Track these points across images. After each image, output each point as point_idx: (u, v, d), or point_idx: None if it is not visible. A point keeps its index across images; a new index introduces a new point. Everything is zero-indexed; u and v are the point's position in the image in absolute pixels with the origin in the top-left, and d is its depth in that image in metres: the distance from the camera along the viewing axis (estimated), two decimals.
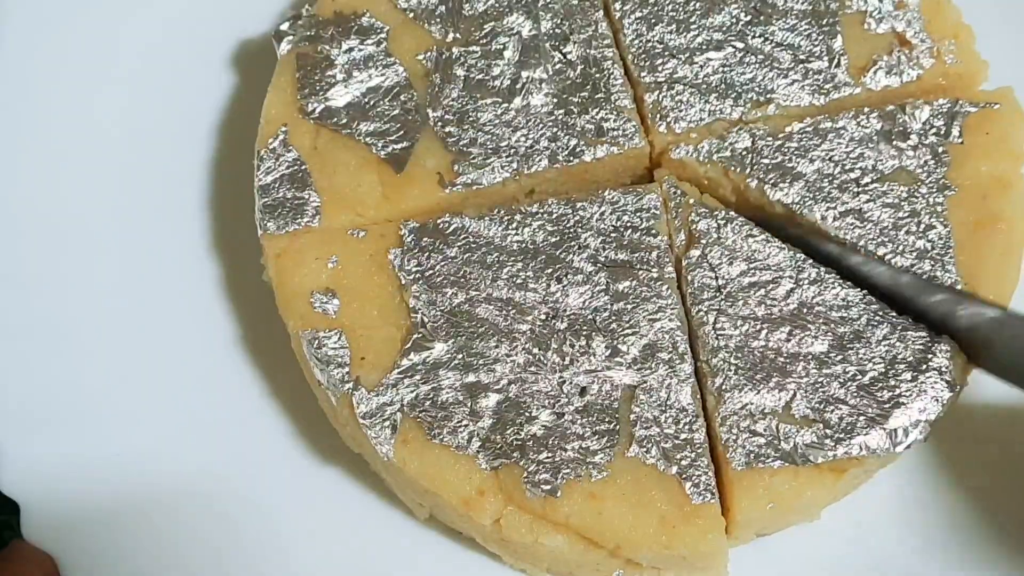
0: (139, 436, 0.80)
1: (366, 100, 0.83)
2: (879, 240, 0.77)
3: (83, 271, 0.84)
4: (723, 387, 0.74)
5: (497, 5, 0.85)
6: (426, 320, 0.76)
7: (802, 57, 0.82)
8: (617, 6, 0.85)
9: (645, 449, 0.73)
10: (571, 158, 0.81)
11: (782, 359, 0.74)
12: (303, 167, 0.81)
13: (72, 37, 0.90)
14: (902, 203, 0.78)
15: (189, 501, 0.78)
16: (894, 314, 0.75)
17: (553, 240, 0.78)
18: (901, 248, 0.76)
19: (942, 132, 0.80)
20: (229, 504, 0.79)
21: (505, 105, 0.82)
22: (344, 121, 0.82)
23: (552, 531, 0.72)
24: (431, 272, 0.78)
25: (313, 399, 0.81)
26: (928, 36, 0.83)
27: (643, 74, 0.82)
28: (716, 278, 0.77)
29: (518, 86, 0.82)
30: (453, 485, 0.73)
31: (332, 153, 0.81)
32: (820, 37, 0.83)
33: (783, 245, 0.78)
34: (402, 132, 0.82)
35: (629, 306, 0.76)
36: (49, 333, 0.82)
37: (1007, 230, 0.77)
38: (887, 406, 0.73)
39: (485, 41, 0.84)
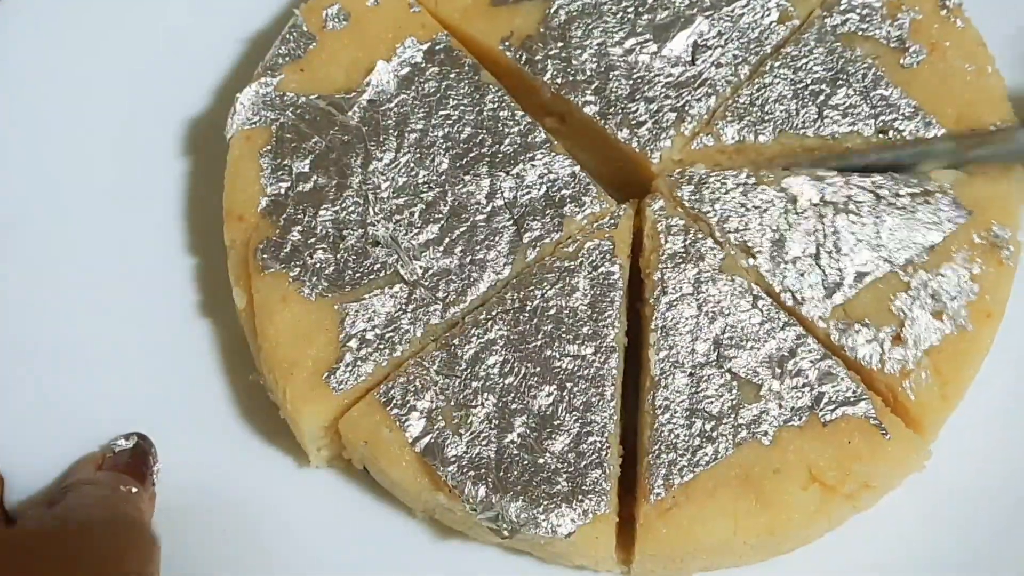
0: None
1: None
2: None
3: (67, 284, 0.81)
4: (438, 351, 0.75)
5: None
6: (366, 91, 0.80)
7: (823, 258, 0.76)
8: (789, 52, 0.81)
9: (350, 321, 0.75)
10: (599, 117, 0.80)
11: (500, 382, 0.73)
12: None
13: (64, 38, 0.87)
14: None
15: (190, 510, 0.75)
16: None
17: (509, 151, 0.79)
18: None
19: (824, 400, 0.72)
20: (234, 512, 0.77)
21: (614, 41, 0.82)
22: None
23: (242, 292, 0.77)
24: (414, 77, 0.81)
25: None
26: (922, 359, 0.73)
27: (726, 123, 0.79)
28: (543, 295, 0.75)
29: (634, 41, 0.81)
30: (240, 198, 0.79)
31: None
32: (858, 264, 0.76)
33: (615, 320, 0.75)
34: None
35: (477, 240, 0.77)
36: (43, 347, 0.79)
37: None
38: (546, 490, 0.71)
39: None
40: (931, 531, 0.76)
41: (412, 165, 0.79)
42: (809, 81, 0.80)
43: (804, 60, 0.80)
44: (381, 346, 0.74)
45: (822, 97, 0.79)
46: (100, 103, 0.85)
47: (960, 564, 0.75)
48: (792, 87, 0.80)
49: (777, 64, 0.80)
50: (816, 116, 0.79)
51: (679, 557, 0.73)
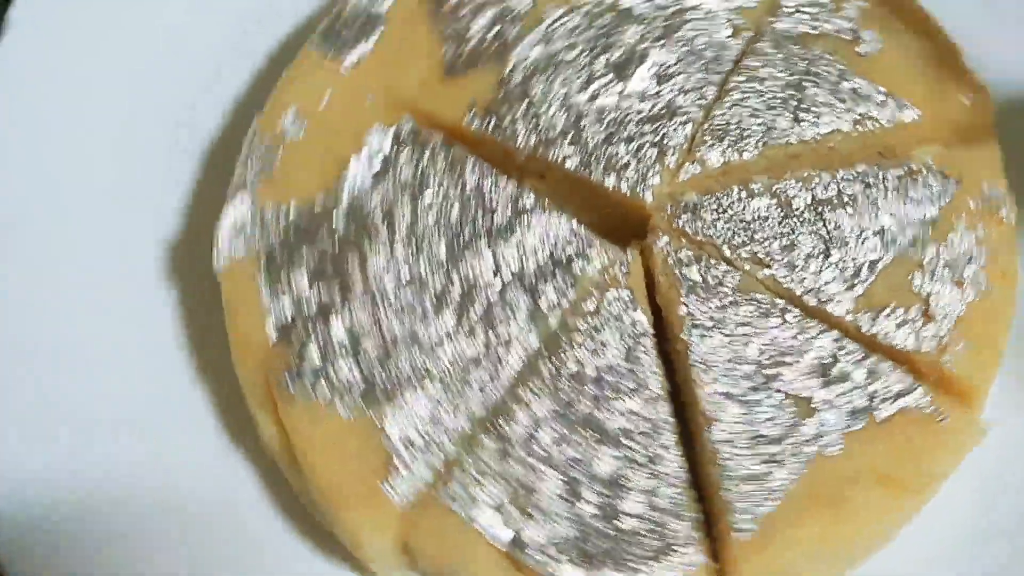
0: (114, 453, 0.76)
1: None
2: None
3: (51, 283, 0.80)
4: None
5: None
6: (344, 191, 0.78)
7: (833, 254, 0.76)
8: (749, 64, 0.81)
9: (392, 430, 0.73)
10: (582, 167, 0.79)
11: (559, 455, 0.72)
12: (383, 27, 0.83)
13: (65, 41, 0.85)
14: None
15: (188, 511, 0.75)
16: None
17: (502, 221, 0.78)
18: None
19: (877, 398, 0.73)
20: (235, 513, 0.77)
21: (576, 88, 0.81)
22: (444, 10, 0.83)
23: (269, 421, 0.74)
24: (388, 167, 0.79)
25: None
26: (953, 330, 0.74)
27: (708, 148, 0.79)
28: (577, 359, 0.74)
29: (597, 85, 0.81)
30: (246, 333, 0.76)
31: (413, 27, 0.84)
32: (868, 252, 0.76)
33: (653, 366, 0.74)
34: (475, 46, 0.82)
35: (495, 318, 0.76)
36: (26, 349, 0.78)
37: None
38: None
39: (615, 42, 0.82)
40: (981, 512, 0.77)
41: (411, 256, 0.76)
42: (777, 89, 0.80)
43: (767, 69, 0.81)
44: (430, 447, 0.72)
45: (794, 102, 0.80)
46: (100, 103, 0.84)
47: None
48: (762, 98, 0.80)
49: (741, 79, 0.81)
50: (793, 122, 0.79)
51: None
